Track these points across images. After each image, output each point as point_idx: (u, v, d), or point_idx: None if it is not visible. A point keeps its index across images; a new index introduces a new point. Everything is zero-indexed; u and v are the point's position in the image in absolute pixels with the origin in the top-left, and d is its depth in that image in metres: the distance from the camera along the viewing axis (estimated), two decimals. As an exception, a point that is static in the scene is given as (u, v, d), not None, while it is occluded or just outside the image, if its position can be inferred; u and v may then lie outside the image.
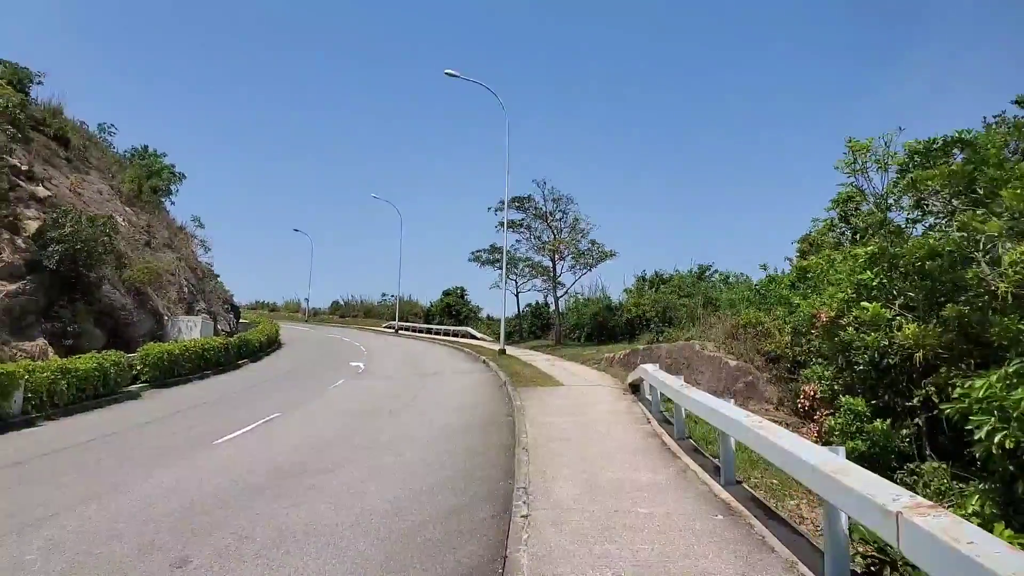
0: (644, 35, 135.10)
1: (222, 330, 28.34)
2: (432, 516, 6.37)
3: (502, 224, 32.41)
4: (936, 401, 8.05)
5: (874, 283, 9.47)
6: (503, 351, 27.07)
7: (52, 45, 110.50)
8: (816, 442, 9.30)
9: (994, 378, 5.70)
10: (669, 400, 10.76)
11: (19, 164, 18.67)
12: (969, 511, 5.80)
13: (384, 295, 63.89)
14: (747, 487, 7.28)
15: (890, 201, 13.15)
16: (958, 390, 6.07)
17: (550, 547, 5.25)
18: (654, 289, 31.29)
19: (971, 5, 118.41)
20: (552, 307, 36.96)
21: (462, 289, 53.74)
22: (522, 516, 6.02)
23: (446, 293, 53.46)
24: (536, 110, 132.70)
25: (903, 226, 12.51)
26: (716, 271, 31.93)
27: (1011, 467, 5.73)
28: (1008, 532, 4.65)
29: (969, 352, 8.08)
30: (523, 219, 34.76)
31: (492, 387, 17.48)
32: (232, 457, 8.92)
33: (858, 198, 18.86)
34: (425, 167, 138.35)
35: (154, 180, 31.47)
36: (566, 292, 35.81)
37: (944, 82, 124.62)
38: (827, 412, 9.51)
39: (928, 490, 7.37)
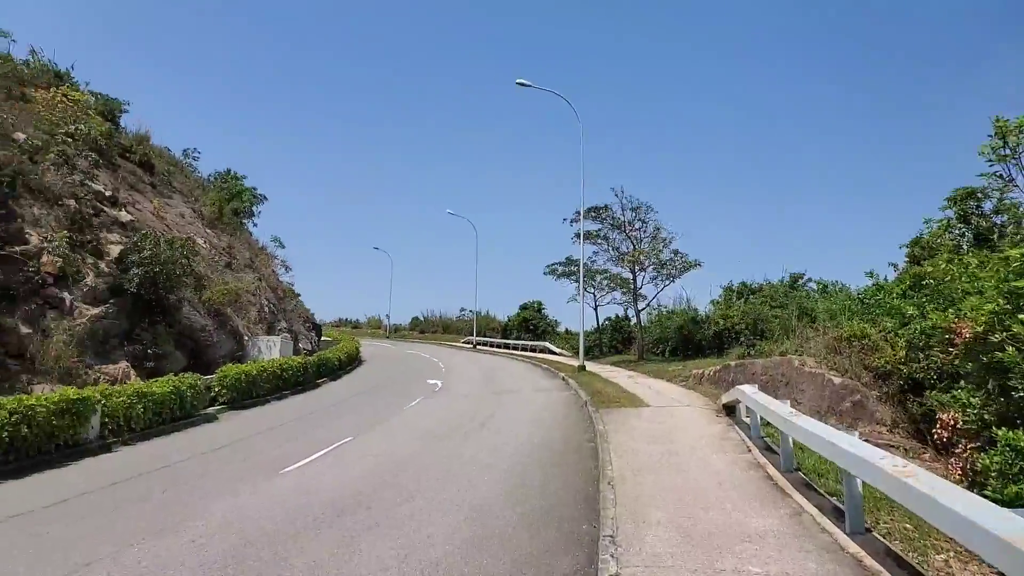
0: (724, 46, 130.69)
1: (303, 349, 28.76)
2: (507, 570, 5.66)
3: (578, 235, 31.59)
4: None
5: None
6: (583, 367, 26.20)
7: (137, 74, 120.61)
8: (960, 483, 7.90)
9: None
10: (770, 423, 9.64)
11: (104, 190, 19.38)
12: None
13: (462, 310, 64.67)
14: (878, 535, 6.18)
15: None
16: None
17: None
18: (743, 300, 29.34)
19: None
20: (633, 320, 35.63)
21: (539, 303, 53.42)
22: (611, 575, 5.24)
23: (523, 307, 53.26)
24: (611, 123, 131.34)
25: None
26: (809, 279, 29.70)
27: None
28: None
29: None
30: (600, 229, 33.75)
31: (572, 407, 16.73)
32: (299, 487, 8.63)
33: (982, 193, 16.69)
34: (499, 180, 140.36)
35: (235, 202, 32.09)
36: (648, 304, 34.43)
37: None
38: (973, 446, 8.01)
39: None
